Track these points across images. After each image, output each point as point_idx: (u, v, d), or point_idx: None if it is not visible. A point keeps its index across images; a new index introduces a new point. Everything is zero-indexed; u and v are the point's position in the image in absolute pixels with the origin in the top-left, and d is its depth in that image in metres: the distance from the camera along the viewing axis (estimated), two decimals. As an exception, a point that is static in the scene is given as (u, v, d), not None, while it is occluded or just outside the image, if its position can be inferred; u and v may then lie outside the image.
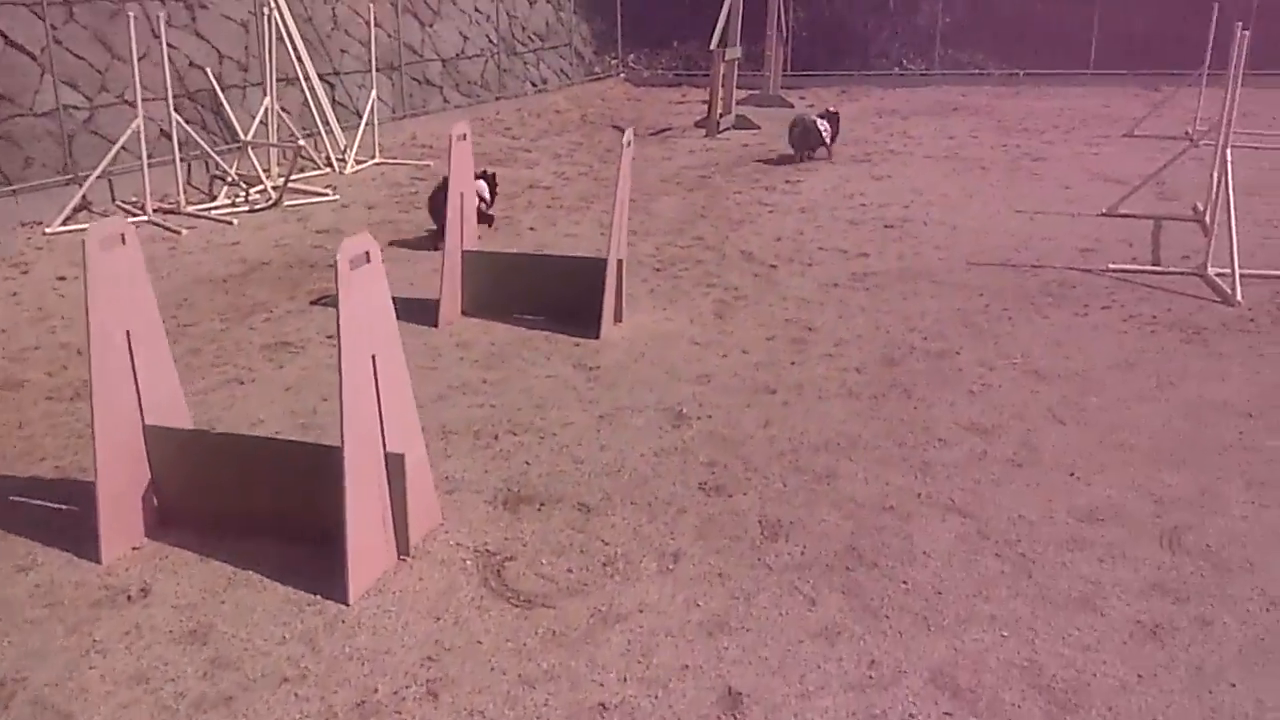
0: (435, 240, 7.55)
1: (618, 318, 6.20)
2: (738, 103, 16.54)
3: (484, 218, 8.18)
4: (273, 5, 10.49)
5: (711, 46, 13.61)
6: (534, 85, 17.50)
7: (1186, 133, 13.17)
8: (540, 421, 4.80)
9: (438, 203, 7.50)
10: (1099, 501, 4.07)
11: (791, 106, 16.67)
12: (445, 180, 7.21)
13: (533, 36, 17.98)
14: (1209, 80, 12.95)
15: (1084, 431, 4.71)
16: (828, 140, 11.69)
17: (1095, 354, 5.75)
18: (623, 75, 19.80)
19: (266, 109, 9.70)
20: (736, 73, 14.45)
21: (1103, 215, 9.09)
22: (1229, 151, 7.23)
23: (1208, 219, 8.60)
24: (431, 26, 15.18)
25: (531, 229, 8.73)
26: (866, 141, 13.02)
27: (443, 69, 15.15)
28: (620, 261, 6.12)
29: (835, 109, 12.73)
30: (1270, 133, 12.71)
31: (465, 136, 6.24)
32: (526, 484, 4.19)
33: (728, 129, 14.05)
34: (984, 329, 6.17)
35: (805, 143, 11.69)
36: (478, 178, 7.72)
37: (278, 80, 10.67)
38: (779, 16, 16.60)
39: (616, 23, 19.61)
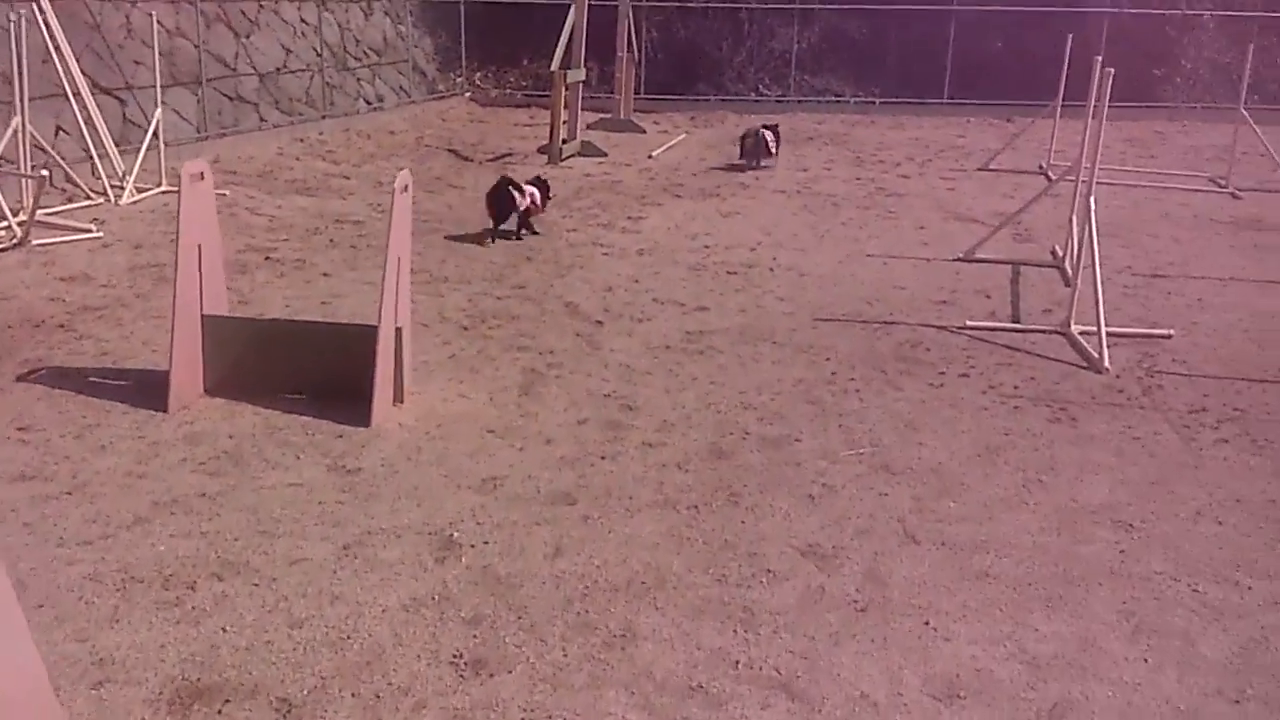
0: (490, 236, 8.80)
1: (398, 397, 5.12)
2: (587, 126, 15.66)
3: (525, 224, 8.97)
4: (37, 11, 9.03)
5: (552, 68, 12.65)
6: (368, 103, 16.23)
7: (1041, 167, 12.87)
8: (260, 558, 3.69)
9: (493, 200, 8.81)
10: (960, 665, 3.21)
11: (643, 132, 15.89)
12: (503, 179, 9.03)
13: (368, 51, 16.71)
14: (1064, 112, 12.68)
15: (941, 555, 3.88)
16: (774, 151, 12.78)
17: (953, 439, 4.96)
18: (468, 94, 18.68)
19: (16, 130, 8.25)
20: (581, 96, 13.51)
21: (959, 260, 8.47)
22: (1092, 200, 6.61)
23: (1068, 266, 8.06)
24: (248, 38, 13.78)
25: (326, 274, 7.57)
26: (717, 173, 12.25)
27: (260, 85, 13.76)
28: (399, 330, 5.04)
29: (775, 123, 13.30)
30: (1125, 169, 12.48)
31: (203, 175, 5.08)
32: (213, 666, 3.09)
33: (572, 156, 13.10)
34: (829, 406, 5.34)
35: (756, 153, 12.60)
36: (530, 184, 9.08)
37: (53, 97, 9.21)
38: (629, 37, 15.79)
39: (460, 38, 18.49)
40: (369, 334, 4.88)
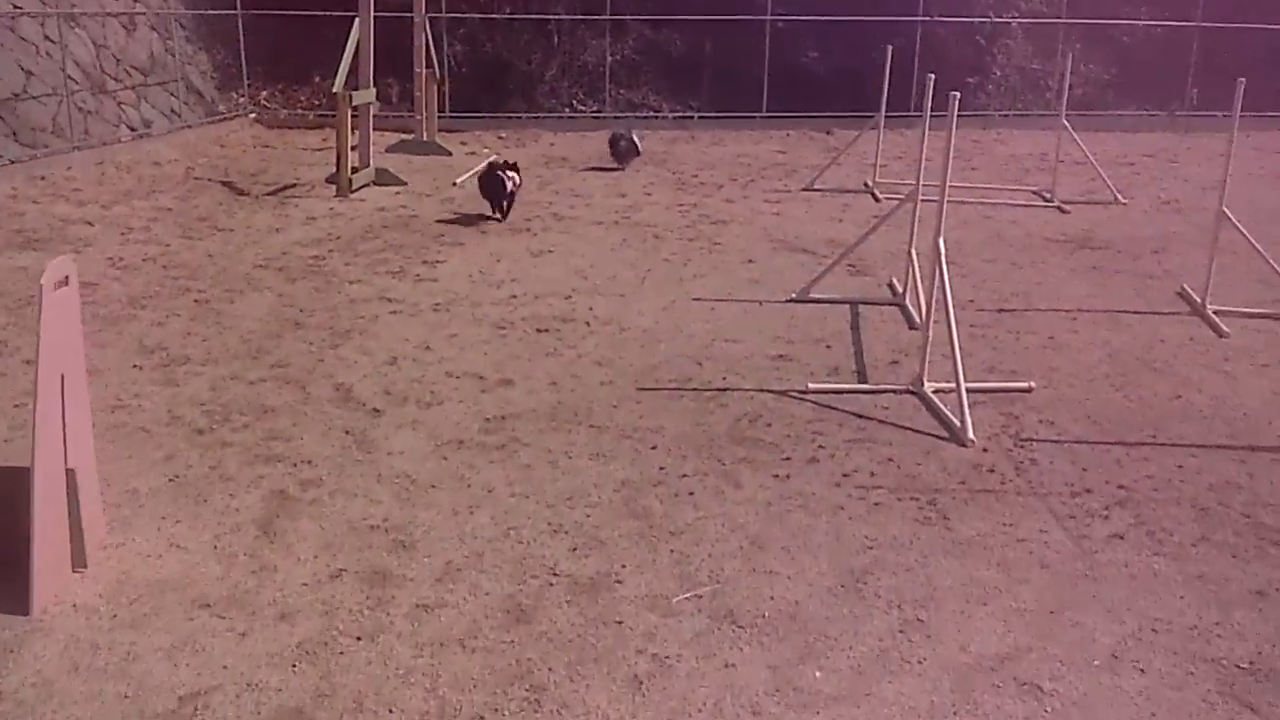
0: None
1: (79, 561, 3.77)
2: (385, 150, 14.27)
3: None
4: None
5: (335, 88, 11.24)
6: (131, 130, 14.32)
7: (866, 185, 12.32)
8: None
9: (486, 186, 10.28)
10: None
11: (448, 154, 14.61)
12: (491, 165, 10.48)
13: (130, 70, 14.78)
14: (888, 123, 12.17)
15: (813, 770, 2.87)
16: (640, 152, 13.83)
17: (809, 562, 4.01)
18: (253, 115, 16.91)
19: None
20: (373, 117, 12.13)
21: (792, 301, 7.63)
22: (942, 241, 5.83)
23: (909, 304, 7.32)
24: (-28, 58, 11.77)
25: (28, 362, 6.04)
26: (531, 202, 11.13)
27: (-9, 113, 11.78)
28: (72, 472, 3.70)
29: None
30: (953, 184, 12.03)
31: (67, 281, 3.62)
32: None
33: (364, 186, 11.72)
34: (658, 520, 4.30)
35: (629, 156, 13.64)
36: (501, 169, 10.33)
37: None
38: (427, 51, 14.49)
39: (240, 53, 16.72)
40: (19, 480, 3.52)
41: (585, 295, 7.70)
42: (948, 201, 5.83)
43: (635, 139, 13.77)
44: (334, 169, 11.68)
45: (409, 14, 14.49)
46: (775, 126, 17.14)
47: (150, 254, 8.58)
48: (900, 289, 7.76)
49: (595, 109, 17.51)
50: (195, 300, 7.34)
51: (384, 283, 7.94)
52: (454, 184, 12.10)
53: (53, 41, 13.26)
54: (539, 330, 6.88)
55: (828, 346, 6.68)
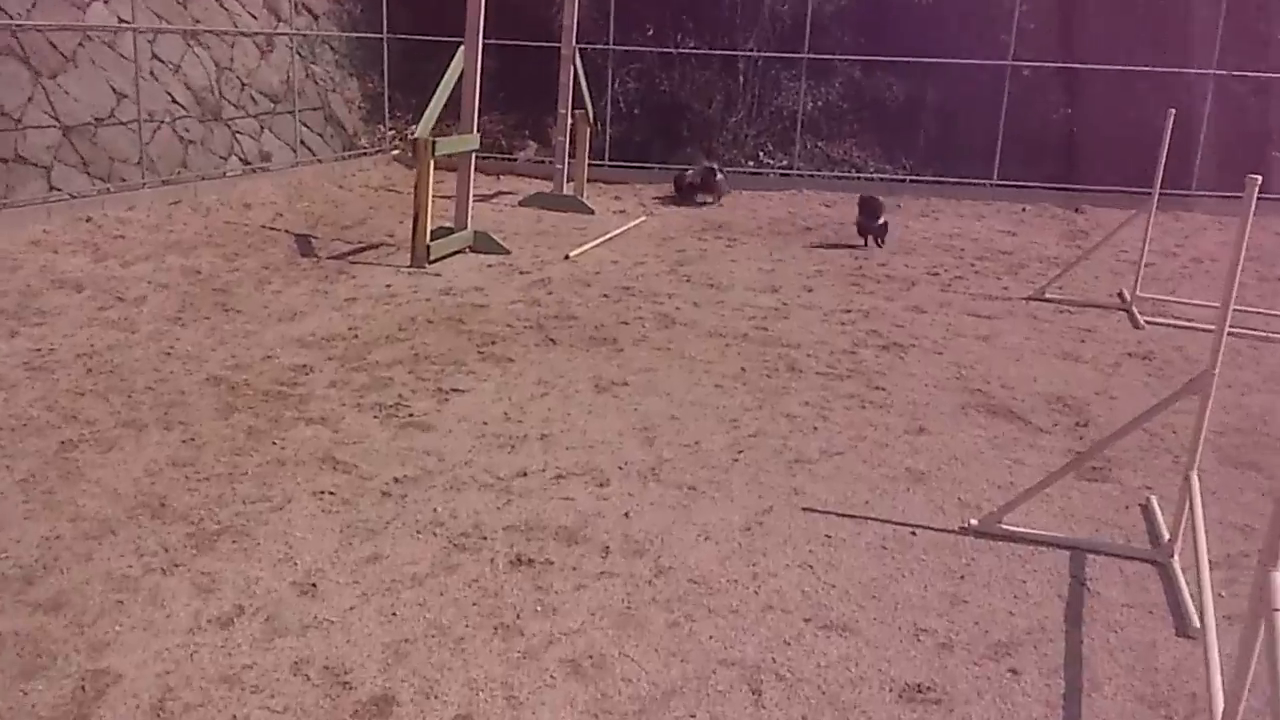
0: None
1: None
2: (520, 203, 12.01)
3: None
4: None
5: (416, 134, 8.93)
6: (245, 164, 12.67)
7: (1122, 297, 8.86)
8: None
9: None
10: None
11: (590, 213, 12.14)
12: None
13: (256, 97, 13.19)
14: (1161, 202, 8.73)
15: None
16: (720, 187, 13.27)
17: None
18: (395, 153, 15.09)
19: None
20: (472, 168, 9.77)
21: (970, 533, 4.52)
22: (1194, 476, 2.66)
23: (1178, 563, 4.09)
24: (53, 78, 10.29)
25: None
26: (646, 293, 8.41)
27: (62, 141, 10.24)
28: None
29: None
30: (1266, 311, 8.37)
31: None
32: None
33: (450, 255, 9.36)
34: None
35: (707, 188, 13.23)
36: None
37: None
38: (576, 90, 12.10)
39: (384, 81, 14.94)
40: None
41: (631, 483, 4.87)
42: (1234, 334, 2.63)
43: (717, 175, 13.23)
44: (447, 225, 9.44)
45: (556, 44, 12.15)
46: (1007, 198, 13.70)
47: (95, 346, 6.42)
48: (1166, 531, 4.50)
49: (784, 163, 14.61)
50: (64, 441, 5.03)
51: (354, 427, 5.39)
52: (566, 257, 9.54)
53: (161, 61, 11.73)
54: (516, 561, 4.11)
55: (1013, 672, 3.54)
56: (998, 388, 6.51)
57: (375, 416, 5.55)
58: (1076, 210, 13.24)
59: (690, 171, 13.36)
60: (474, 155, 9.63)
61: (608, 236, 10.63)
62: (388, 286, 8.24)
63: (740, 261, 9.86)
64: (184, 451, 4.99)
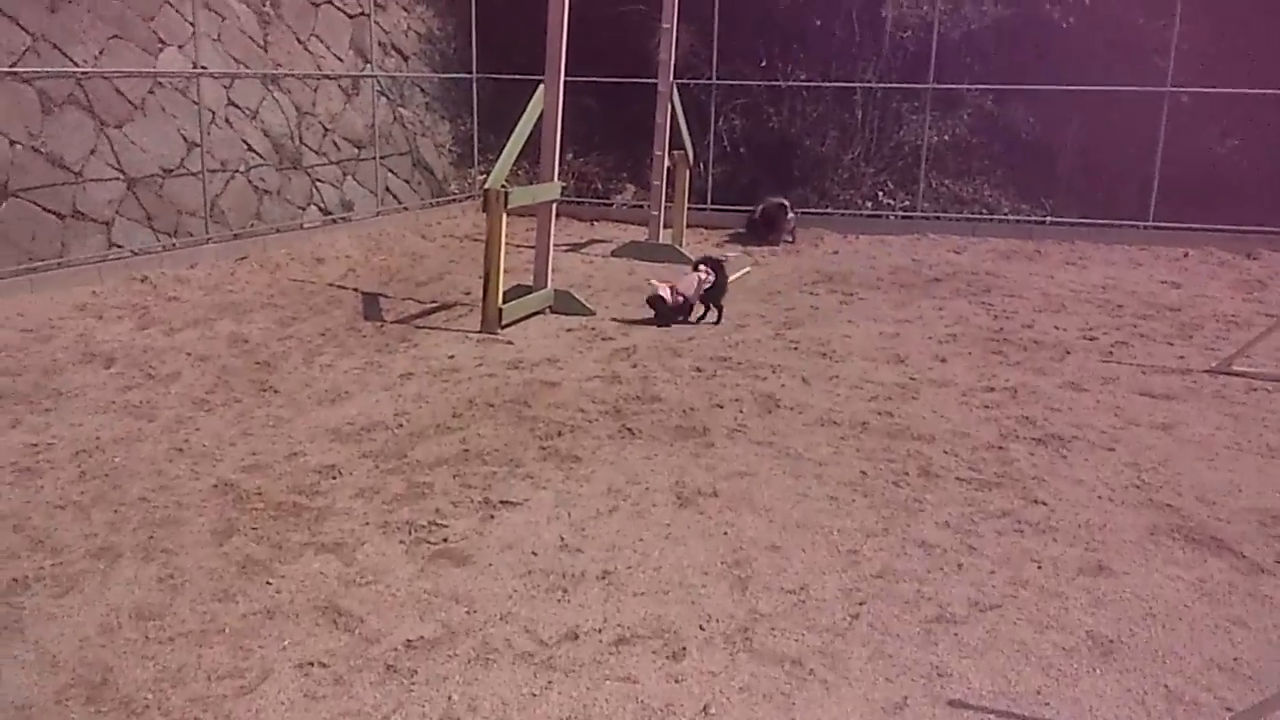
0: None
1: None
2: (613, 253, 11.00)
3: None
4: None
5: (486, 184, 7.94)
6: (324, 214, 11.96)
7: (1332, 372, 7.24)
8: None
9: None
10: None
11: (697, 266, 10.97)
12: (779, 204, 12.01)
13: (339, 143, 12.51)
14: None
15: None
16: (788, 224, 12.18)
17: None
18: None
19: None
20: (553, 220, 8.72)
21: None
22: None
23: None
24: (119, 128, 9.71)
25: None
26: (745, 364, 7.22)
27: (126, 194, 9.63)
28: None
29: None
30: None
31: None
32: None
33: (526, 318, 8.33)
34: None
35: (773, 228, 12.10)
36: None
37: None
38: (673, 129, 11.04)
39: (474, 123, 14.13)
40: None
41: (715, 654, 3.66)
42: None
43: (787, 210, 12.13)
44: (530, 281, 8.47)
45: (652, 80, 11.11)
46: (1165, 241, 12.05)
47: (100, 440, 5.54)
48: None
49: (905, 204, 13.23)
50: (16, 580, 4.09)
51: (373, 557, 4.32)
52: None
53: (238, 108, 11.11)
54: (546, 796, 2.92)
55: None
56: (1192, 501, 5.07)
57: (402, 542, 4.47)
58: (1250, 256, 11.50)
59: (758, 209, 12.29)
60: (554, 206, 8.57)
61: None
62: (450, 358, 7.22)
63: (858, 322, 8.56)
64: (155, 596, 3.98)
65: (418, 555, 4.36)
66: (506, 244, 11.52)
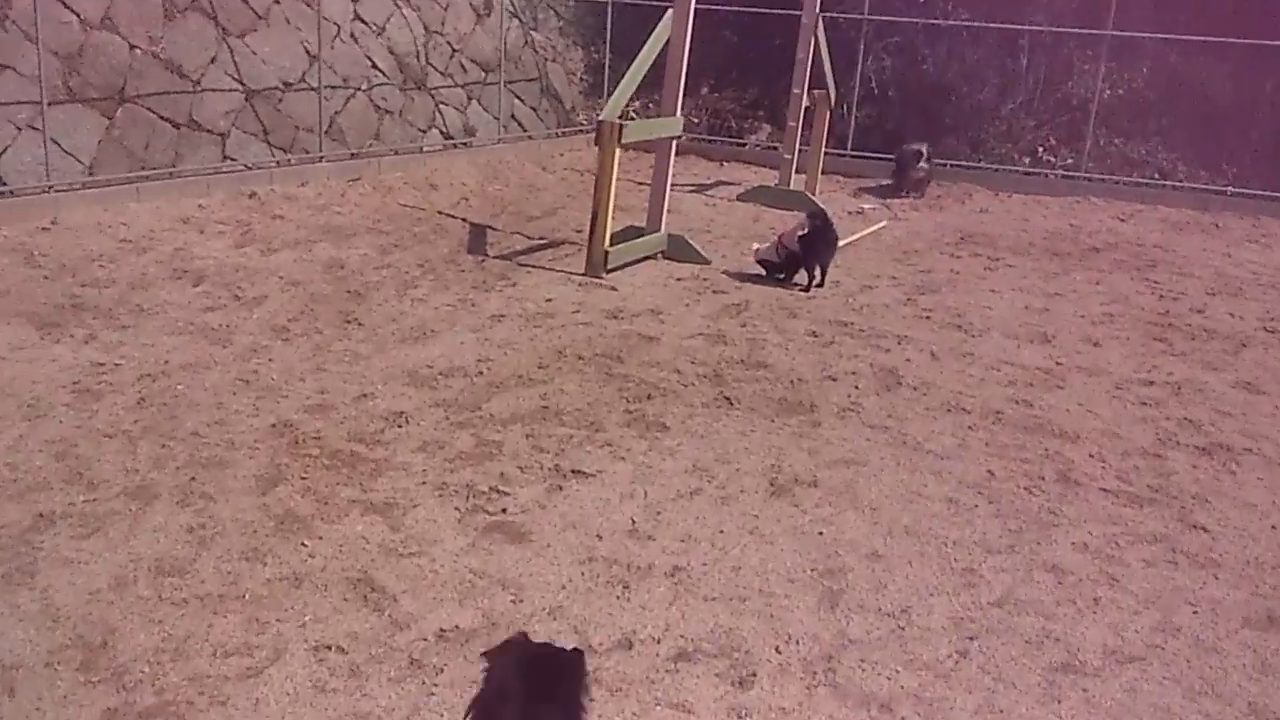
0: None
1: None
2: (739, 197, 10.34)
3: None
4: None
5: (601, 116, 7.36)
6: (446, 137, 11.60)
7: None
8: None
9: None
10: None
11: (822, 215, 10.22)
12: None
13: (466, 64, 12.10)
14: None
15: None
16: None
17: None
18: (613, 131, 13.63)
19: None
20: (672, 158, 8.09)
21: None
22: None
23: None
24: (242, 37, 9.50)
25: None
26: (858, 328, 6.53)
27: (244, 106, 9.43)
28: None
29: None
30: None
31: None
32: None
33: (641, 259, 7.78)
34: None
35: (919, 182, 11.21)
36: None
37: None
38: (815, 66, 10.21)
39: (605, 51, 13.50)
40: None
41: (789, 685, 3.12)
42: None
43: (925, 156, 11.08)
44: (635, 225, 7.93)
45: (796, 11, 10.27)
46: (1368, 222, 10.62)
47: (169, 365, 5.27)
48: None
49: (1068, 163, 12.06)
50: (41, 515, 3.80)
51: (422, 524, 3.89)
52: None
53: (365, 23, 10.79)
54: None
55: None
56: (1396, 545, 4.20)
57: (458, 509, 4.02)
58: None
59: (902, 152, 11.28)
60: (674, 143, 7.93)
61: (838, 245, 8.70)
62: (548, 301, 6.74)
63: (1001, 293, 7.71)
64: (180, 549, 3.63)
65: (471, 526, 3.91)
66: (625, 181, 10.98)
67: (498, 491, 4.17)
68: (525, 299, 6.76)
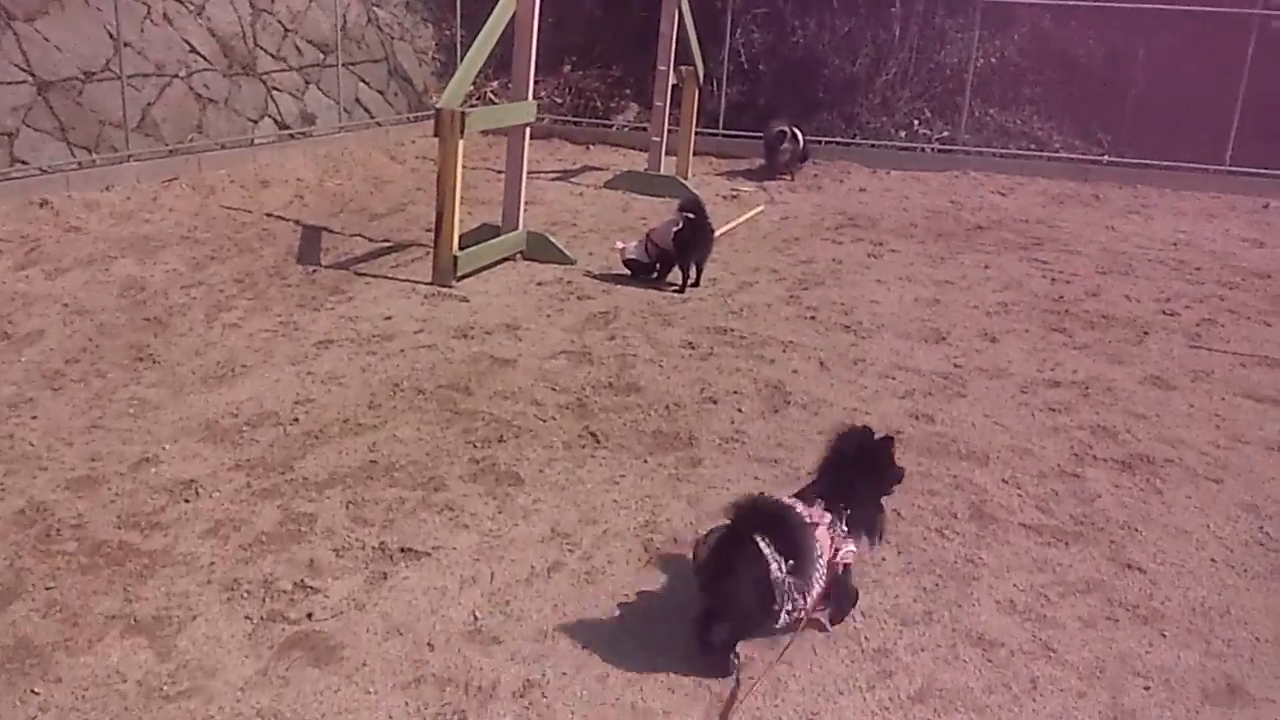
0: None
1: None
2: (606, 184, 9.57)
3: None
4: None
5: (438, 103, 6.48)
6: (283, 128, 10.49)
7: None
8: None
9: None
10: None
11: (696, 207, 9.52)
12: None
13: (301, 45, 10.98)
14: None
15: None
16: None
17: None
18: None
19: None
20: (526, 146, 7.27)
21: None
22: None
23: None
24: (31, 22, 8.24)
25: None
26: (740, 334, 5.87)
27: (36, 100, 8.19)
28: None
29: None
30: None
31: None
32: None
33: (498, 262, 6.96)
34: None
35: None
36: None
37: None
38: (681, 34, 9.50)
39: (458, 29, 12.54)
40: None
41: None
42: None
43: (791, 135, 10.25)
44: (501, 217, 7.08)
45: (657, -19, 9.53)
46: (1241, 189, 10.51)
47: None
48: None
49: (944, 135, 11.65)
50: None
51: (200, 646, 3.06)
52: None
53: (179, 1, 9.58)
54: None
55: None
56: (1342, 568, 3.73)
57: (249, 618, 3.17)
58: (1342, 208, 9.97)
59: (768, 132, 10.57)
60: (528, 130, 7.11)
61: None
62: (387, 319, 5.86)
63: (888, 283, 7.15)
64: None
65: (265, 642, 3.06)
66: (485, 170, 10.10)
67: (304, 588, 3.33)
68: (360, 317, 5.87)
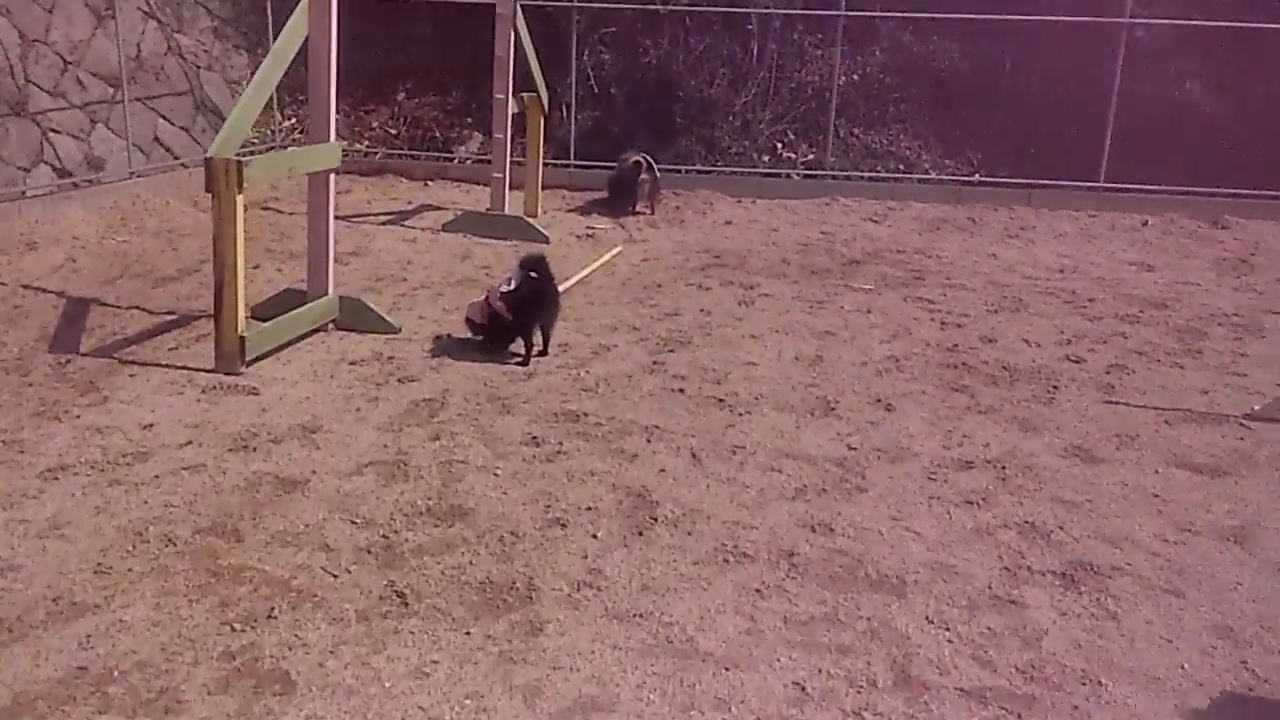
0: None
1: None
2: (444, 226, 8.47)
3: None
4: None
5: (208, 152, 5.27)
6: (64, 175, 9.00)
7: None
8: None
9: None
10: None
11: (544, 240, 8.54)
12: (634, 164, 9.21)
13: (85, 80, 9.50)
14: None
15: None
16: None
17: None
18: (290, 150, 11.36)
19: None
20: (332, 196, 6.09)
21: None
22: None
23: None
24: None
25: None
26: (593, 421, 4.88)
27: None
28: None
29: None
30: None
31: None
32: None
33: (304, 336, 5.76)
34: None
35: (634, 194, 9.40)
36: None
37: None
38: (520, 57, 8.47)
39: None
40: None
41: None
42: None
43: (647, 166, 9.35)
44: (303, 282, 5.86)
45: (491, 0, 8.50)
46: (1119, 206, 10.09)
47: None
48: None
49: (810, 158, 10.93)
50: None
51: None
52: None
53: (-79, 32, 8.02)
54: None
55: None
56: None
57: None
58: (1218, 224, 9.61)
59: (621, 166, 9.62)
60: (332, 177, 5.94)
61: (565, 284, 6.98)
62: (146, 428, 4.62)
63: (764, 337, 6.25)
64: None
65: None
66: (302, 214, 8.84)
67: None
68: (111, 428, 4.62)
